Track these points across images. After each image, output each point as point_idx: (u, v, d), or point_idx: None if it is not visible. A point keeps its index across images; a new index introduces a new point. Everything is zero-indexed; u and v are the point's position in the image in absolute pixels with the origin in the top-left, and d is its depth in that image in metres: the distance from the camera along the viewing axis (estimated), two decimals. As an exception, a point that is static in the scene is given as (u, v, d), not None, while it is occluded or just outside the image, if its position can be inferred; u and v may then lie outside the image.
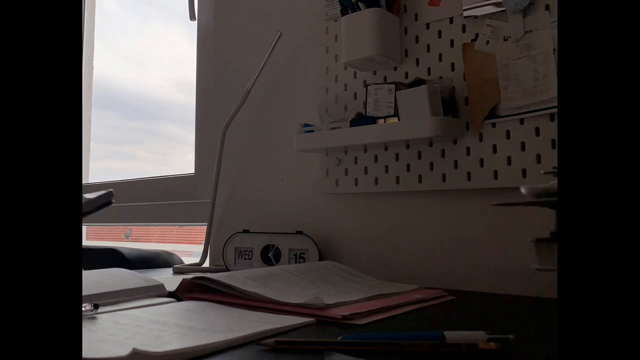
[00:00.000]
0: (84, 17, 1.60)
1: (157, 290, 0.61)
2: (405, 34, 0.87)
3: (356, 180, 0.91)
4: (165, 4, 1.60)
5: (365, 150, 0.90)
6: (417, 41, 0.85)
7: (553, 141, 0.71)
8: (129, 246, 1.23)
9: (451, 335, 0.39)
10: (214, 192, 1.07)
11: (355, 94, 0.93)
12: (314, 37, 0.99)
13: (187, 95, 1.29)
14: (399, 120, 0.80)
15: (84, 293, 0.52)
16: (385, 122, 0.81)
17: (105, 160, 1.64)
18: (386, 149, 0.87)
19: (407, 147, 0.85)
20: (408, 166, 0.85)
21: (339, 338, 0.39)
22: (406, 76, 0.86)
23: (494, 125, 0.76)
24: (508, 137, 0.75)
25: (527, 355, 0.39)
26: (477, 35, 0.78)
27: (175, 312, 0.52)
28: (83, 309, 0.47)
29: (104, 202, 0.60)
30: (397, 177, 0.86)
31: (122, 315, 0.49)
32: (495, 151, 0.76)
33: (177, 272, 0.94)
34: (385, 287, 0.68)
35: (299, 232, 0.93)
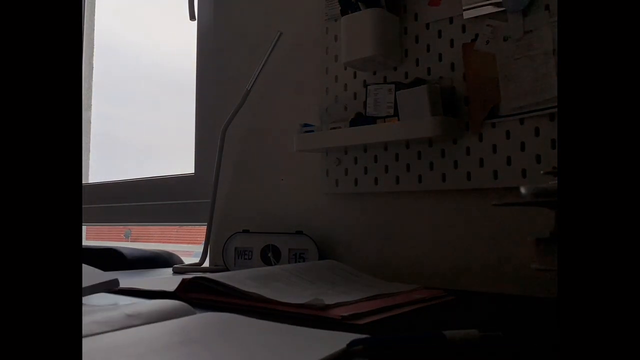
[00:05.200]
0: (84, 16, 1.60)
1: (111, 286, 0.58)
2: (405, 34, 0.87)
3: (356, 180, 0.91)
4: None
5: (365, 150, 0.90)
6: (417, 41, 0.85)
7: (553, 141, 0.71)
8: (129, 246, 1.23)
9: (451, 335, 0.39)
10: (214, 192, 1.07)
11: (355, 94, 0.93)
12: (314, 37, 0.99)
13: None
14: (399, 120, 0.80)
15: None
16: (385, 122, 0.81)
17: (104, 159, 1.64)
18: (386, 149, 0.87)
19: (407, 147, 0.85)
20: (408, 166, 0.85)
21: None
22: (406, 76, 0.86)
23: (494, 125, 0.76)
24: (508, 137, 0.75)
25: (526, 355, 0.39)
26: (477, 35, 0.78)
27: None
28: None
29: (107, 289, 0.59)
30: (397, 177, 0.86)
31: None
32: (495, 151, 0.76)
33: (177, 272, 0.94)
34: (385, 287, 0.68)
35: (299, 232, 0.93)
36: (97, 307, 0.50)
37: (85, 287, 0.53)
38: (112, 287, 0.59)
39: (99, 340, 0.38)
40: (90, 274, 0.58)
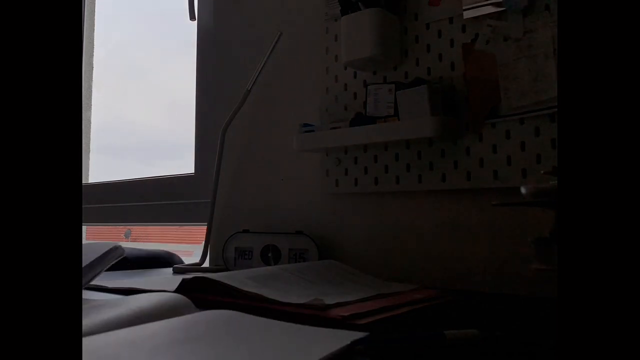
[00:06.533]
0: (84, 16, 1.60)
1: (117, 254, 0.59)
2: (405, 34, 0.87)
3: (356, 180, 0.91)
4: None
5: (365, 150, 0.90)
6: (417, 41, 0.85)
7: (553, 141, 0.71)
8: (129, 246, 1.23)
9: (451, 335, 0.39)
10: (213, 192, 1.07)
11: (355, 94, 0.93)
12: (314, 37, 0.99)
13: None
14: (399, 120, 0.80)
15: None
16: (385, 122, 0.81)
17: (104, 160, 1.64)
18: (386, 149, 0.87)
19: (407, 147, 0.85)
20: (408, 166, 0.85)
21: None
22: (406, 76, 0.86)
23: (494, 125, 0.76)
24: (508, 137, 0.75)
25: (526, 355, 0.39)
26: (477, 35, 0.78)
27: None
28: None
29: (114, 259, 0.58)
30: (397, 177, 0.86)
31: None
32: (495, 151, 0.76)
33: (177, 272, 0.94)
34: (385, 287, 0.68)
35: (299, 232, 0.93)
36: (101, 302, 0.50)
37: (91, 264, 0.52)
38: (120, 255, 0.58)
39: (104, 338, 0.38)
40: (90, 250, 0.57)
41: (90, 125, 1.64)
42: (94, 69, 1.64)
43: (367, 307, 0.54)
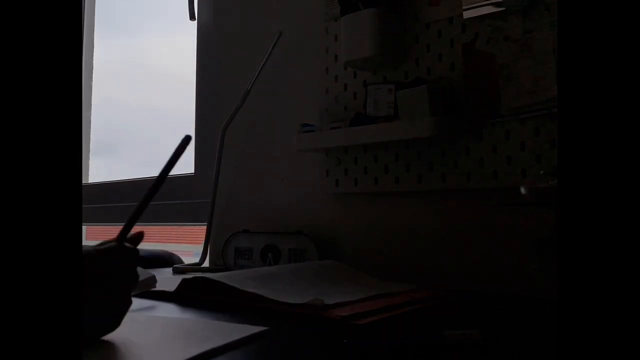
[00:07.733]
0: (84, 16, 1.60)
1: (150, 283, 0.61)
2: (405, 34, 0.87)
3: (356, 180, 0.91)
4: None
5: (365, 150, 0.90)
6: (417, 41, 0.85)
7: (553, 141, 0.71)
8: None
9: (450, 335, 0.39)
10: (213, 192, 1.07)
11: (355, 94, 0.93)
12: (314, 37, 0.99)
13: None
14: (399, 120, 0.80)
15: None
16: (385, 122, 0.81)
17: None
18: (386, 149, 0.87)
19: (407, 147, 0.85)
20: (408, 166, 0.85)
21: (344, 341, 0.39)
22: (406, 76, 0.86)
23: (493, 125, 0.76)
24: (508, 137, 0.75)
25: (526, 355, 0.39)
26: (477, 35, 0.78)
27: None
28: None
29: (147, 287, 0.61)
30: (397, 177, 0.86)
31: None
32: (495, 151, 0.76)
33: (177, 272, 0.94)
34: (385, 287, 0.68)
35: (299, 232, 0.93)
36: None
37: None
38: (152, 285, 0.60)
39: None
40: None
41: (90, 125, 1.64)
42: (94, 68, 1.64)
43: (367, 307, 0.54)
